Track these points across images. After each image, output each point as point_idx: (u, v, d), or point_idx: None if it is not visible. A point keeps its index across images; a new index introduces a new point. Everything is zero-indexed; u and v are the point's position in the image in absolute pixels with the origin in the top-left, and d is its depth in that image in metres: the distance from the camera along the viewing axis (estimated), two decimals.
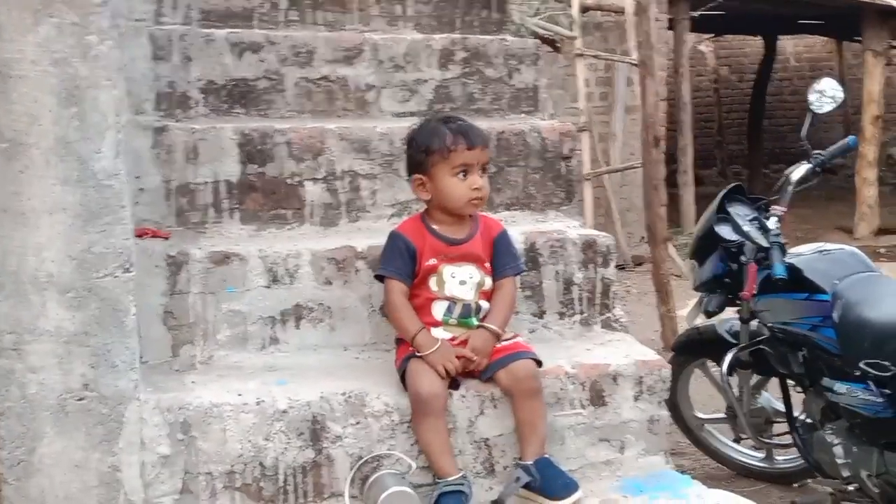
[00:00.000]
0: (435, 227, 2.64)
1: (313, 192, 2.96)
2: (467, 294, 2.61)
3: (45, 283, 2.22)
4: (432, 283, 2.61)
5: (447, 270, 2.61)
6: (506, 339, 2.61)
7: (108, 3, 2.24)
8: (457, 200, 2.60)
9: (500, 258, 2.68)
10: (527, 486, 2.49)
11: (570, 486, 2.49)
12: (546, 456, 2.52)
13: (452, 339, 2.57)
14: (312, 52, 3.18)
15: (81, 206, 2.23)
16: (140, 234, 2.67)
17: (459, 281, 2.61)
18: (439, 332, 2.57)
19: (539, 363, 2.59)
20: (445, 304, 2.60)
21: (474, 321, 2.61)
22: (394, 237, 2.63)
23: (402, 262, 2.59)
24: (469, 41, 3.37)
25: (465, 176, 2.59)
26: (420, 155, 2.62)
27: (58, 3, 2.19)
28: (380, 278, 2.65)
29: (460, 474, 2.47)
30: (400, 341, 2.65)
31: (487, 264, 2.66)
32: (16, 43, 2.18)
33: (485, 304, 2.64)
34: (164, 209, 2.85)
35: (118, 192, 2.26)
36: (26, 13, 2.18)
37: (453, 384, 2.55)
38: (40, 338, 2.23)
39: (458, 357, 2.52)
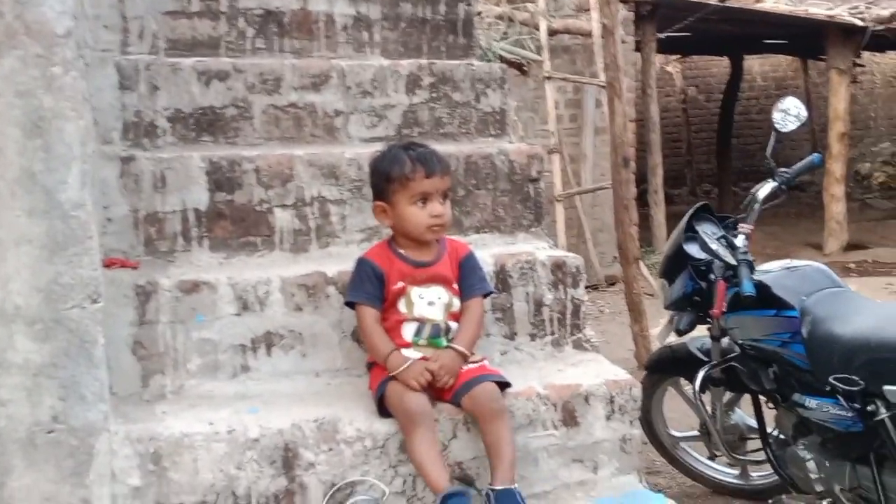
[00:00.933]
0: (401, 251, 2.65)
1: (283, 218, 2.96)
2: (436, 315, 2.62)
3: (11, 316, 2.20)
4: (401, 305, 2.61)
5: (415, 292, 2.62)
6: (473, 362, 2.61)
7: (72, 34, 2.23)
8: (416, 227, 2.62)
9: (466, 279, 2.69)
10: None
11: None
12: (512, 487, 2.41)
13: (422, 359, 2.57)
14: (280, 80, 3.18)
15: (48, 237, 2.21)
16: (108, 265, 2.65)
17: (428, 302, 2.62)
18: (409, 353, 2.57)
19: (505, 385, 2.60)
20: (415, 325, 2.61)
21: (443, 342, 2.61)
22: (361, 263, 2.64)
23: (372, 287, 2.60)
24: (436, 66, 3.38)
25: (424, 204, 2.61)
26: (381, 182, 2.64)
27: (21, 36, 2.18)
28: (350, 305, 2.65)
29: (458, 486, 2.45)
30: (372, 366, 2.65)
31: (455, 286, 2.67)
32: None
33: (454, 325, 2.64)
34: (132, 239, 2.83)
35: (85, 223, 2.24)
36: None
37: None
38: (8, 370, 2.20)
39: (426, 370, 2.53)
